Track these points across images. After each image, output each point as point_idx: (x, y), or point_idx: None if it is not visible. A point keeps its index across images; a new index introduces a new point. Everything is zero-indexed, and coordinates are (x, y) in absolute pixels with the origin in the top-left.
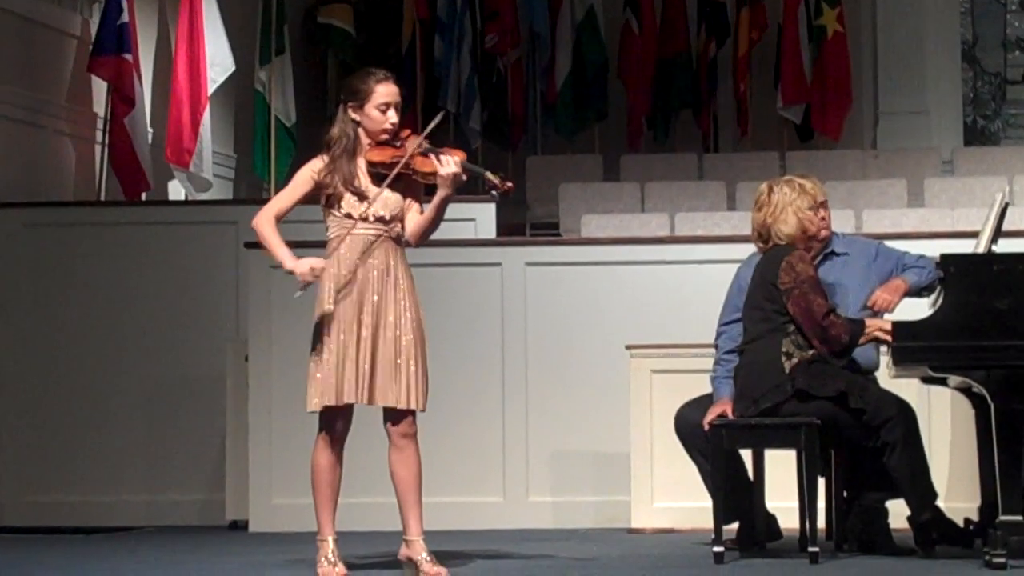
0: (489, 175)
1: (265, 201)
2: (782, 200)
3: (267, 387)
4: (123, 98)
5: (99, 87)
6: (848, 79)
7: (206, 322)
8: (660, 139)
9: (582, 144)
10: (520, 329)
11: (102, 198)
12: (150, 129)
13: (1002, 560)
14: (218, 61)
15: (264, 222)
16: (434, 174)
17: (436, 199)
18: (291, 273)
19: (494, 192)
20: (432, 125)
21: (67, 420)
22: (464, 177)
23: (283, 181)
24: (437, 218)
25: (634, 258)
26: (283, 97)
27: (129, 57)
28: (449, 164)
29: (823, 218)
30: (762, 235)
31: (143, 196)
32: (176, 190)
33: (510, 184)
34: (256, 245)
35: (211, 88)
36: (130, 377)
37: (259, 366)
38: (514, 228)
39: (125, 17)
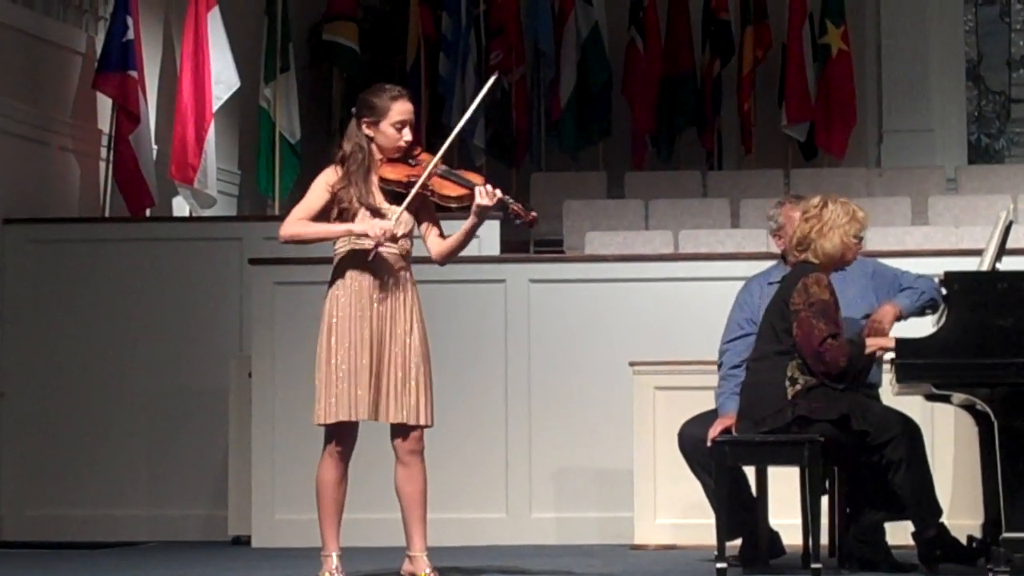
0: (514, 205)
1: (270, 218)
2: (833, 219)
3: (270, 402)
4: (128, 115)
5: (104, 104)
6: (852, 97)
7: (210, 338)
8: (664, 157)
9: (586, 161)
10: (524, 346)
11: (106, 214)
12: (155, 146)
13: None
14: (223, 78)
15: (292, 225)
16: (457, 198)
17: (467, 226)
18: (364, 236)
19: (517, 222)
20: (450, 140)
21: (70, 434)
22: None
23: (287, 198)
24: (466, 243)
25: (638, 275)
26: (288, 114)
27: (134, 74)
28: (484, 196)
29: (860, 248)
30: (802, 244)
31: (147, 212)
32: (180, 207)
33: (534, 214)
34: (261, 261)
35: (216, 105)
36: (134, 392)
37: (262, 381)
38: (518, 245)
39: (130, 34)
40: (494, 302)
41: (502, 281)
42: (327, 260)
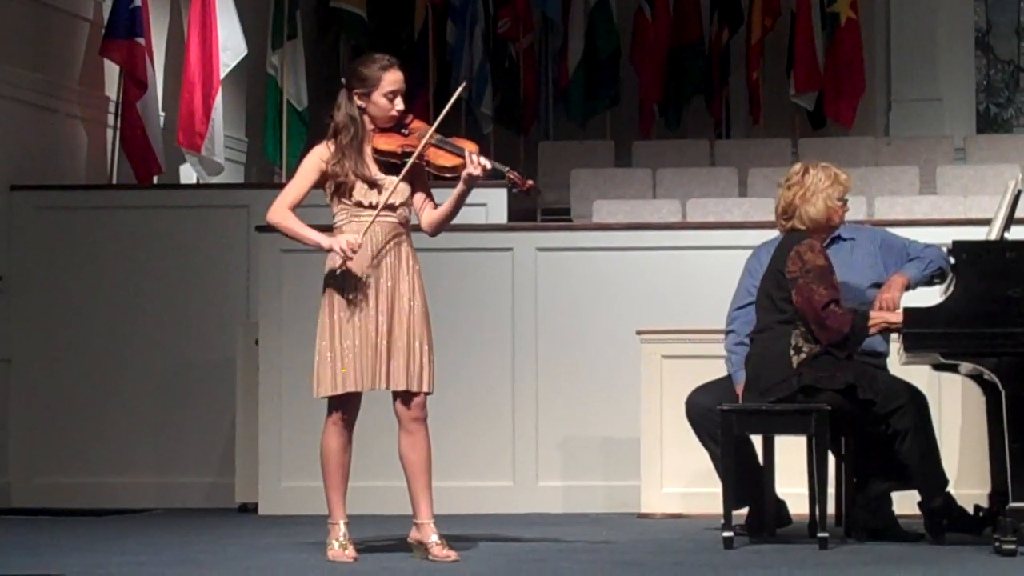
0: (511, 173)
1: (277, 185)
2: (815, 184)
3: (277, 370)
4: (135, 82)
5: (111, 71)
6: (861, 66)
7: (217, 305)
8: (672, 125)
9: (594, 130)
10: (531, 314)
11: (114, 181)
12: (162, 113)
13: (1012, 547)
14: (230, 45)
15: (280, 213)
16: (451, 168)
17: (456, 194)
18: (329, 251)
19: (516, 190)
20: (444, 112)
21: (77, 402)
22: (485, 173)
23: (294, 165)
24: (455, 212)
25: (645, 244)
26: (295, 81)
27: (141, 41)
28: (474, 162)
29: (847, 210)
30: (787, 212)
31: (155, 180)
32: (188, 174)
33: (531, 182)
34: (268, 229)
35: (223, 72)
36: (141, 360)
37: (269, 349)
38: (525, 213)
39: (138, 1)
40: (501, 271)
41: (509, 249)
42: (331, 229)
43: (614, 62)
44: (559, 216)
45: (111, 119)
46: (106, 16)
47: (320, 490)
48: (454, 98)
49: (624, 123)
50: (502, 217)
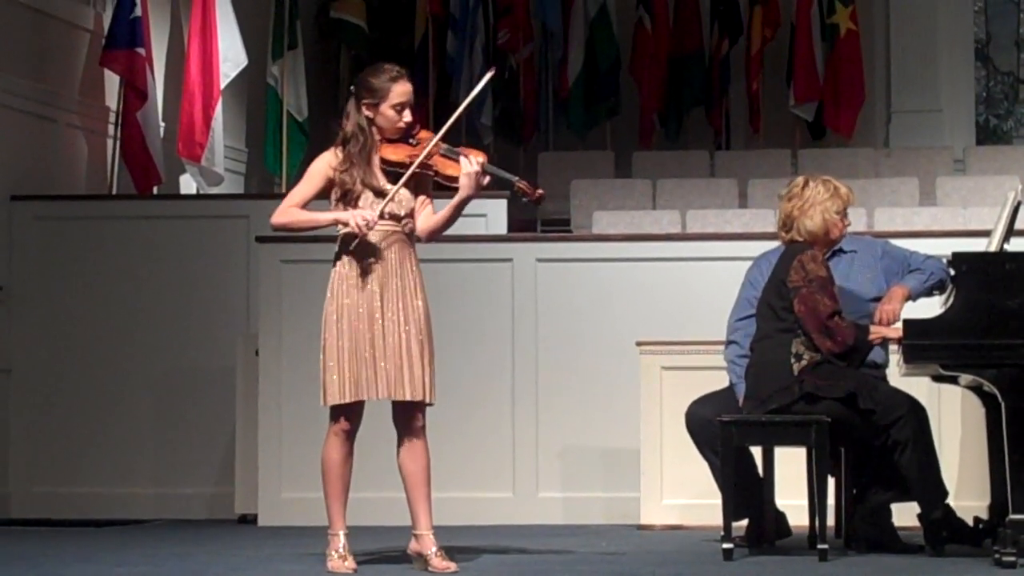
0: (520, 183)
1: (277, 196)
2: (814, 197)
3: (277, 381)
4: (135, 92)
5: (111, 81)
6: (861, 77)
7: (217, 316)
8: (672, 136)
9: (594, 141)
10: (531, 325)
11: (114, 192)
12: (162, 123)
13: (1012, 559)
14: (230, 56)
15: (285, 212)
16: (458, 177)
17: (456, 200)
18: (345, 225)
19: (525, 199)
20: (451, 122)
21: (77, 412)
22: (486, 180)
23: (295, 175)
24: (453, 219)
25: (645, 255)
26: (295, 92)
27: (142, 51)
28: (471, 163)
29: (847, 224)
30: (786, 224)
31: (155, 190)
32: (188, 184)
33: (541, 192)
34: (268, 239)
35: (223, 82)
36: (140, 370)
37: (269, 360)
38: (525, 224)
39: (138, 11)
40: (501, 281)
41: (509, 260)
42: (334, 239)
43: (614, 73)
44: (559, 227)
45: (111, 129)
46: (106, 26)
47: (320, 501)
48: (482, 86)
49: (624, 134)
50: (502, 228)
